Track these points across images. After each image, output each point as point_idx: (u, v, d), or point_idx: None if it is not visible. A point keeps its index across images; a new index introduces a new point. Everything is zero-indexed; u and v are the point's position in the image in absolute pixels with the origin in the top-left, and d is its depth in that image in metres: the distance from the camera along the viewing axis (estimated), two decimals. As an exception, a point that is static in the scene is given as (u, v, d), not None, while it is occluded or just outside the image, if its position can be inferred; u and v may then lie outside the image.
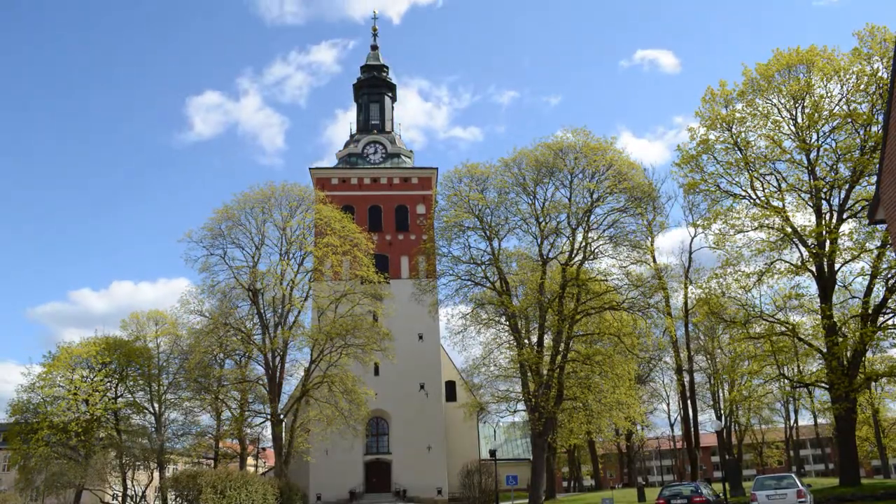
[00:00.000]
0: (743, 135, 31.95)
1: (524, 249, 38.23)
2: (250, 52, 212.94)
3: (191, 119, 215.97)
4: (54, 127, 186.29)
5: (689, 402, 46.82)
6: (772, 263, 31.49)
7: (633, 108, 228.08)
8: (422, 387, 48.66)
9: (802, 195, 31.05)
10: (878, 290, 29.69)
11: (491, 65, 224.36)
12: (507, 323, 36.15)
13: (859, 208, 29.44)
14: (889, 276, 29.05)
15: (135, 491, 42.78)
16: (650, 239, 39.19)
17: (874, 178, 21.97)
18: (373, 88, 59.23)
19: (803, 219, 31.76)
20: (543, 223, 36.05)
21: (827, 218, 30.20)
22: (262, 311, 38.37)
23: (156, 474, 43.16)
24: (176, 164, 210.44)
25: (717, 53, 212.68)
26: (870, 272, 29.33)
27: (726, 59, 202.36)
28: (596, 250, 35.70)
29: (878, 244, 28.72)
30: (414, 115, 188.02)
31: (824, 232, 29.47)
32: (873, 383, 46.03)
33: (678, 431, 65.00)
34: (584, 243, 35.44)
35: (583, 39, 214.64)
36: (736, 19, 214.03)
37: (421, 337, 48.91)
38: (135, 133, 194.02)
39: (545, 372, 34.68)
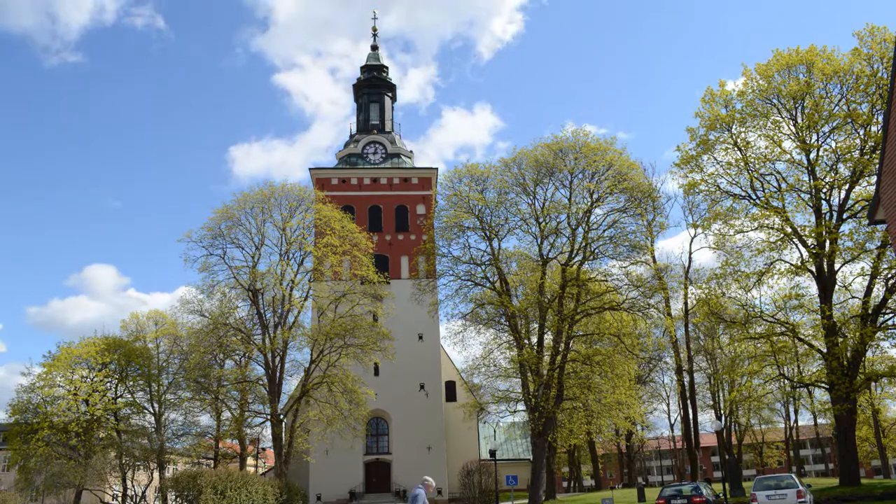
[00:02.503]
0: (743, 135, 31.95)
1: (524, 249, 38.19)
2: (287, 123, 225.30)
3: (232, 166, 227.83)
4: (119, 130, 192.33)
5: (688, 402, 46.85)
6: (772, 264, 31.49)
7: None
8: (422, 387, 48.65)
9: (802, 195, 31.05)
10: (878, 290, 29.70)
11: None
12: (507, 323, 36.14)
13: (859, 208, 29.44)
14: (889, 276, 29.04)
15: (135, 491, 42.82)
16: (650, 239, 39.20)
17: (874, 179, 21.99)
18: (373, 88, 59.17)
19: (803, 219, 31.81)
20: (543, 223, 36.01)
21: (827, 218, 30.20)
22: (261, 311, 38.35)
23: (156, 474, 43.18)
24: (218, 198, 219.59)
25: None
26: (870, 272, 29.33)
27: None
28: (596, 250, 35.69)
29: (878, 244, 28.71)
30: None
31: (824, 232, 29.46)
32: (873, 383, 46.07)
33: (678, 431, 65.04)
34: (583, 243, 35.42)
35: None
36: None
37: (421, 337, 48.90)
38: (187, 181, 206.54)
39: (545, 372, 34.67)
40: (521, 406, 38.83)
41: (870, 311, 29.22)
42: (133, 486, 42.67)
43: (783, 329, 32.11)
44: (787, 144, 31.18)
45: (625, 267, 35.89)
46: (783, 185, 31.37)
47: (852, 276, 31.16)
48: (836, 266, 30.28)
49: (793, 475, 25.64)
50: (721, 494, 30.12)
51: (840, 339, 29.53)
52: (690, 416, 47.00)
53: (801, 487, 23.57)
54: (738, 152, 31.92)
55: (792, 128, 30.99)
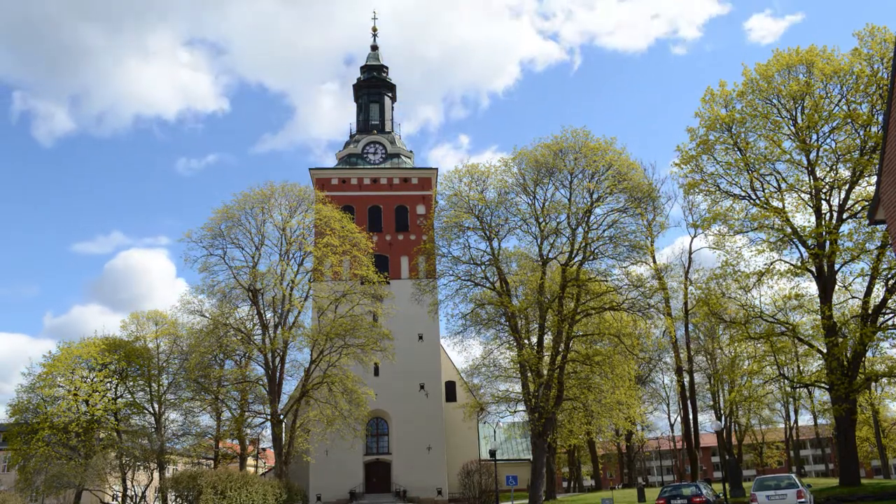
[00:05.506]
0: (743, 135, 31.94)
1: (524, 249, 38.17)
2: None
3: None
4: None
5: (688, 402, 46.85)
6: (772, 264, 31.51)
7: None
8: (422, 387, 48.64)
9: (802, 195, 31.06)
10: (878, 291, 29.71)
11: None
12: (507, 323, 36.12)
13: (859, 208, 29.45)
14: (889, 276, 29.05)
15: (135, 491, 42.81)
16: (650, 239, 39.16)
17: (874, 179, 22.00)
18: (373, 89, 59.13)
19: (803, 219, 31.82)
20: (543, 223, 35.98)
21: (827, 218, 30.20)
22: (262, 311, 38.34)
23: (156, 475, 43.16)
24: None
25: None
26: (870, 272, 29.34)
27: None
28: (596, 250, 35.67)
29: (878, 244, 28.71)
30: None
31: (824, 232, 29.47)
32: (873, 383, 46.06)
33: (678, 432, 65.06)
34: (583, 243, 35.40)
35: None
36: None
37: (421, 337, 48.88)
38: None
39: (545, 372, 34.66)
40: (521, 406, 38.85)
41: (870, 311, 29.23)
42: (133, 486, 42.64)
43: (783, 329, 32.11)
44: (787, 144, 31.19)
45: (625, 267, 35.91)
46: (783, 185, 31.38)
47: (852, 276, 31.22)
48: (836, 266, 30.28)
49: (793, 475, 25.65)
50: (721, 494, 30.14)
51: (840, 339, 29.54)
52: (690, 417, 47.00)
53: (801, 487, 23.57)
54: (738, 152, 31.90)
55: (792, 128, 30.98)
